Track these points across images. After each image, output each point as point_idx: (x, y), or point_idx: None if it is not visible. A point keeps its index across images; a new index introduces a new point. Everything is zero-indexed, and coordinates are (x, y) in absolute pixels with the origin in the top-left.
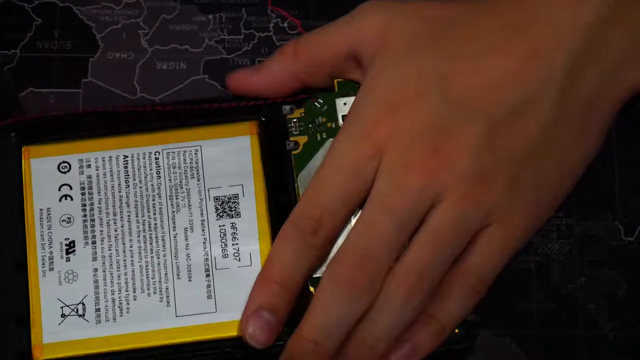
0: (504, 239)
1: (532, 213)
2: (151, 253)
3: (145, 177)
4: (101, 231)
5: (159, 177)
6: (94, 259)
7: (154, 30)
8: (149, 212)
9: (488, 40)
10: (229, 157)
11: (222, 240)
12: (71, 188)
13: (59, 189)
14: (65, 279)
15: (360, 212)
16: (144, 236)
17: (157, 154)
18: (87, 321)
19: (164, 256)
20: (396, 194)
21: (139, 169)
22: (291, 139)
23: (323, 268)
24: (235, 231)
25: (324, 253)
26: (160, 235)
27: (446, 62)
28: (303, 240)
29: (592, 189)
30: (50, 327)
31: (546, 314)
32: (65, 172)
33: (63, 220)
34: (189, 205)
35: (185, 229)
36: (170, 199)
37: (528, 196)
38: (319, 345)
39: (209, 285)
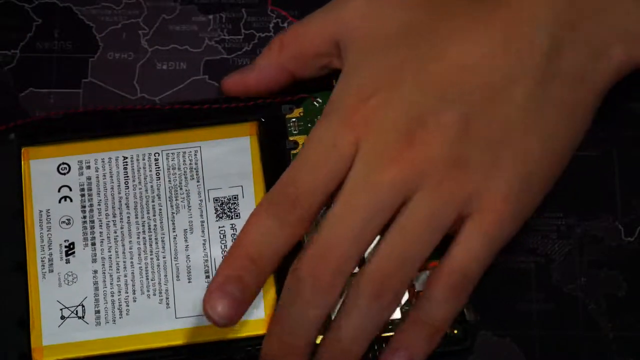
0: (487, 229)
1: (515, 197)
2: (151, 255)
3: (145, 179)
4: (101, 233)
5: (159, 179)
6: (94, 260)
7: (154, 31)
8: (148, 213)
9: (466, 26)
10: (229, 158)
11: (222, 242)
12: (71, 189)
13: (59, 191)
14: (65, 281)
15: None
16: (144, 237)
17: (156, 155)
18: (87, 323)
19: (164, 258)
20: (368, 188)
21: (138, 170)
22: (290, 138)
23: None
24: (235, 232)
25: (298, 233)
26: (160, 236)
27: (423, 50)
28: (278, 216)
29: (593, 189)
30: (50, 329)
31: (546, 314)
32: (64, 174)
33: (62, 222)
34: (189, 207)
35: (185, 230)
36: (169, 200)
37: (509, 180)
38: (287, 343)
39: None
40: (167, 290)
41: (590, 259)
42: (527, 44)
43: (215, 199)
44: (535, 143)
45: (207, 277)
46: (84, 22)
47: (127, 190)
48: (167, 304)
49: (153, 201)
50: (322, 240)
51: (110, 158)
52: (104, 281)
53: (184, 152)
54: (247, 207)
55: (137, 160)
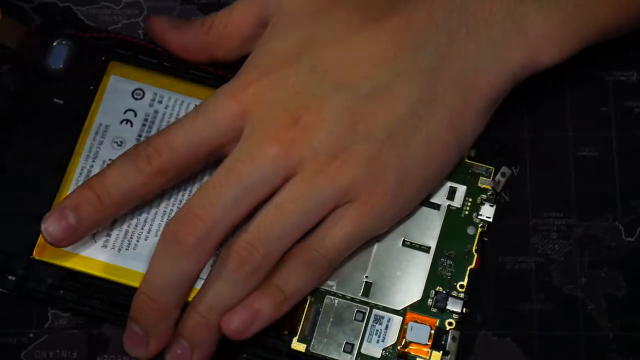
0: (356, 219)
1: (392, 194)
2: (179, 203)
3: None
4: None
5: None
6: None
7: None
8: None
9: (367, 13)
10: None
11: None
12: (135, 115)
13: (125, 112)
14: None
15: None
16: (178, 185)
17: None
18: (95, 242)
19: None
20: (247, 160)
21: None
22: None
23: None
24: None
25: (152, 183)
26: (193, 189)
27: (323, 33)
28: (134, 162)
29: (593, 190)
30: None
31: (546, 314)
32: (137, 99)
33: (115, 142)
34: None
35: None
36: (215, 160)
37: (389, 176)
38: (153, 300)
39: None
40: None
41: (590, 259)
42: (422, 45)
43: None
44: (419, 143)
45: None
46: (84, 22)
47: None
48: None
49: None
50: (194, 204)
51: (183, 101)
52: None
53: None
54: None
55: None
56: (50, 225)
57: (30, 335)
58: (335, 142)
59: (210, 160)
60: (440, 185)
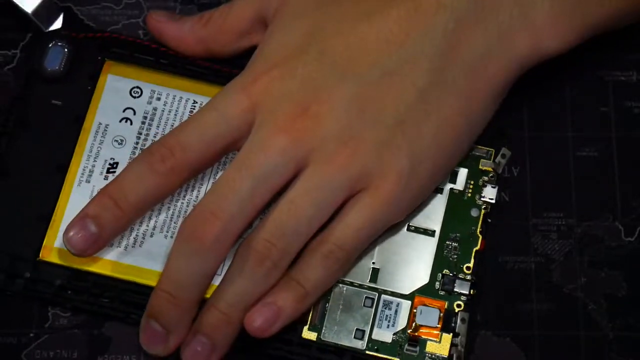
0: (370, 208)
1: (404, 180)
2: (183, 199)
3: None
4: None
5: None
6: None
7: None
8: None
9: (377, 9)
10: None
11: None
12: (134, 113)
13: (124, 111)
14: None
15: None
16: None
17: None
18: None
19: (194, 206)
20: (258, 152)
21: None
22: None
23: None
24: None
25: (168, 183)
26: (198, 185)
27: (330, 23)
28: (149, 163)
29: (593, 190)
30: None
31: (546, 314)
32: (135, 97)
33: (115, 141)
34: None
35: None
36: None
37: (401, 162)
38: (174, 297)
39: None
40: None
41: (590, 259)
42: (430, 31)
43: None
44: (430, 128)
45: None
46: (84, 22)
47: None
48: None
49: None
50: (209, 201)
51: (181, 97)
52: None
53: None
54: None
55: None
56: (73, 237)
57: (31, 335)
58: (344, 130)
59: (224, 156)
60: None
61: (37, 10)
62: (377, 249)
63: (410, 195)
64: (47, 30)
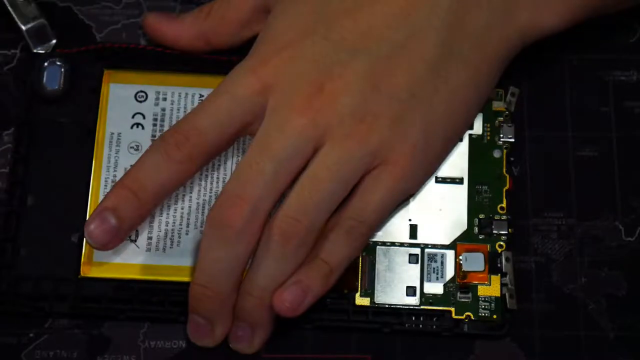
0: (389, 181)
1: (420, 153)
2: (210, 192)
3: None
4: None
5: None
6: None
7: None
8: None
9: None
10: None
11: None
12: (144, 117)
13: (133, 117)
14: None
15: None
16: (205, 175)
17: None
18: (138, 247)
19: None
20: (276, 134)
21: None
22: None
23: None
24: None
25: (186, 170)
26: (221, 176)
27: (336, 3)
28: (165, 151)
29: (593, 189)
30: None
31: (546, 314)
32: (141, 102)
33: (131, 147)
34: None
35: None
36: (236, 142)
37: (416, 135)
38: (208, 289)
39: None
40: None
41: (590, 259)
42: (436, 4)
43: None
44: (441, 100)
45: None
46: (84, 22)
47: None
48: None
49: None
50: (234, 186)
51: (187, 93)
52: (161, 210)
53: None
54: None
55: None
56: (94, 231)
57: (31, 335)
58: (360, 106)
59: (236, 140)
60: None
61: (30, 30)
62: (410, 205)
63: (425, 166)
64: (36, 51)
